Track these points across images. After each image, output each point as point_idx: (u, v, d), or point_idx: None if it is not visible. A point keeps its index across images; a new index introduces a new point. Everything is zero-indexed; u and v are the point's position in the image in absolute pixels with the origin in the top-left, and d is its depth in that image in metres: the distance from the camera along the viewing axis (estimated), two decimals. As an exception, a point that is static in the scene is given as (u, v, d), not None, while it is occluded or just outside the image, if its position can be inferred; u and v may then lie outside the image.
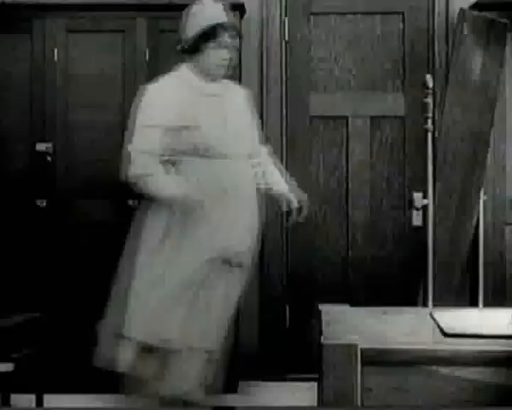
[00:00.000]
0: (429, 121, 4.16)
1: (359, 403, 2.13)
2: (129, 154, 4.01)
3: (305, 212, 4.29)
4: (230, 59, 4.07)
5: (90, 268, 5.05)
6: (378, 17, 5.36)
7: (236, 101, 4.18)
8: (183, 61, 4.15)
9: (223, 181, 4.02)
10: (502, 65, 4.83)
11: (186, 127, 3.98)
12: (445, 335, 2.31)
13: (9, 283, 5.05)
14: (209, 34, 4.02)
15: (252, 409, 3.68)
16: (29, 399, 4.52)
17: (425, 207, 4.39)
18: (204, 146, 3.99)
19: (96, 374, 4.10)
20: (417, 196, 4.56)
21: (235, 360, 4.70)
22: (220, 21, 4.03)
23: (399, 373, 2.15)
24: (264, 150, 4.37)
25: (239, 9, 5.14)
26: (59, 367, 4.98)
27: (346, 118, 5.38)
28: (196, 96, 4.06)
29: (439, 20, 5.28)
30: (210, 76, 4.08)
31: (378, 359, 2.15)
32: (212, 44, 4.03)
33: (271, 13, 5.42)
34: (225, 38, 4.04)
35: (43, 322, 4.61)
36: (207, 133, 3.99)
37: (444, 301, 4.44)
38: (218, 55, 4.05)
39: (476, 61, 4.80)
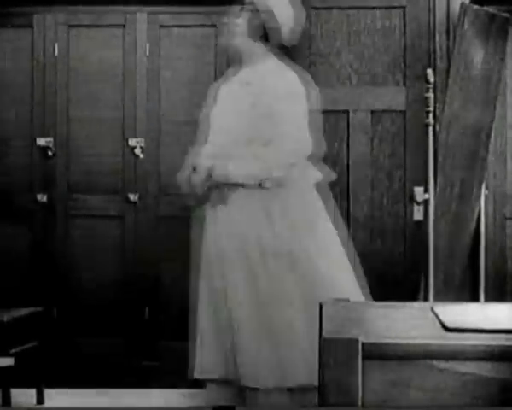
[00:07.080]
0: (430, 115, 4.16)
1: (360, 398, 2.13)
2: None
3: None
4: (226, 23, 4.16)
5: (91, 263, 5.05)
6: (379, 11, 5.35)
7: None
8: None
9: None
10: (503, 59, 4.83)
11: None
12: (447, 329, 2.30)
13: (10, 277, 5.05)
14: None
15: (252, 409, 3.67)
16: (30, 394, 4.53)
17: (426, 202, 4.40)
18: None
19: (97, 368, 4.10)
20: (418, 190, 4.56)
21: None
22: None
23: (401, 368, 2.15)
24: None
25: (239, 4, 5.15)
26: (60, 362, 4.99)
27: (347, 112, 5.37)
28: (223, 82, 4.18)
29: (440, 14, 5.27)
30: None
31: (379, 353, 2.15)
32: None
33: (272, 7, 5.40)
34: None
35: (43, 316, 4.61)
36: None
37: (445, 295, 4.44)
38: None
39: (477, 55, 4.79)
